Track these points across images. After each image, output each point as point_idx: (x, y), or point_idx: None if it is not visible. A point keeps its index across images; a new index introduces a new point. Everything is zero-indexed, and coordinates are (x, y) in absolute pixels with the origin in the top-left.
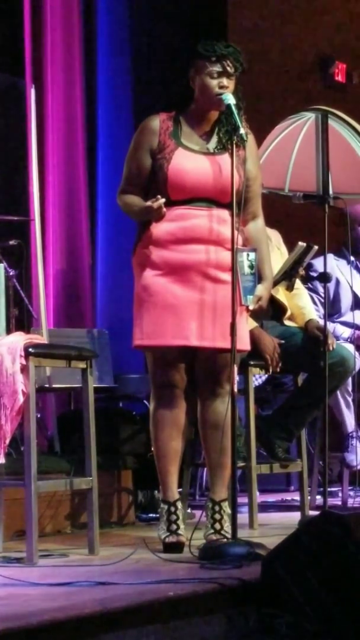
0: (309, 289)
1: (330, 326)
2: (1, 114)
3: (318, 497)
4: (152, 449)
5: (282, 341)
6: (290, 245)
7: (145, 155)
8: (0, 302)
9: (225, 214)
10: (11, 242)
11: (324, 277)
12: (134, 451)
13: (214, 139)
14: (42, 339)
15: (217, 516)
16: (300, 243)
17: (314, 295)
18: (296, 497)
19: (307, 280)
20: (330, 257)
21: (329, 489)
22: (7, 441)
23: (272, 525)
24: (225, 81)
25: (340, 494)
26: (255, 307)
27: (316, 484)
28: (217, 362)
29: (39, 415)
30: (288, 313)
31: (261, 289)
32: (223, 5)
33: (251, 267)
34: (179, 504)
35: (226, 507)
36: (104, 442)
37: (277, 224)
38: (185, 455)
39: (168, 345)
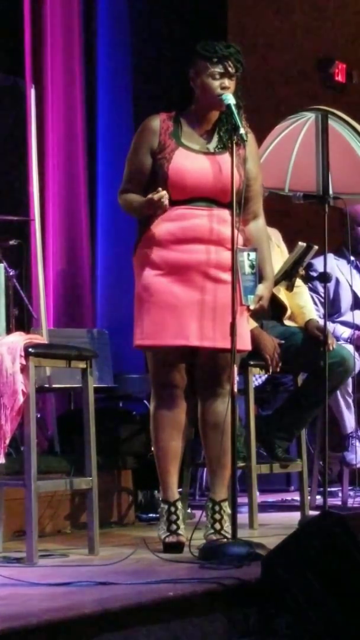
0: (309, 288)
1: (330, 326)
2: (1, 114)
3: (318, 497)
4: (152, 449)
5: (282, 341)
6: (290, 244)
7: (145, 155)
8: (0, 302)
9: (225, 213)
10: (11, 242)
11: (324, 277)
12: (134, 451)
13: (215, 139)
14: (42, 339)
15: (217, 516)
16: (300, 243)
17: (314, 295)
18: (296, 497)
19: (307, 280)
20: (330, 257)
21: (329, 489)
22: (7, 441)
23: (272, 525)
24: (226, 82)
25: (340, 494)
26: (256, 307)
27: (316, 484)
28: (218, 362)
29: (39, 415)
30: (288, 312)
31: (262, 289)
32: (223, 5)
33: (252, 266)
34: (179, 504)
35: (226, 507)
36: (104, 442)
37: (277, 224)
38: (185, 455)
39: (168, 345)
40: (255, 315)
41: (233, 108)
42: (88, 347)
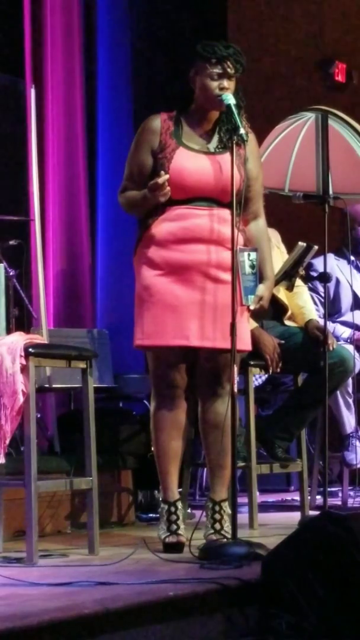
0: (309, 288)
1: (330, 326)
2: (1, 114)
3: (318, 497)
4: (152, 449)
5: (282, 341)
6: (289, 245)
7: (146, 154)
8: (0, 302)
9: (226, 213)
10: (11, 242)
11: (324, 277)
12: (134, 451)
13: (215, 139)
14: (42, 339)
15: (217, 516)
16: (300, 243)
17: (314, 295)
18: (296, 497)
19: (307, 280)
20: (331, 257)
21: (329, 489)
22: (7, 441)
23: (272, 525)
24: (225, 83)
25: (340, 494)
26: (257, 307)
27: (316, 484)
28: (218, 363)
29: (39, 415)
30: (289, 313)
31: (262, 289)
32: (223, 5)
33: (252, 267)
34: (179, 504)
35: (226, 507)
36: (104, 442)
37: (277, 224)
38: (185, 455)
39: (168, 345)
40: (256, 315)
41: (233, 108)
42: (88, 347)
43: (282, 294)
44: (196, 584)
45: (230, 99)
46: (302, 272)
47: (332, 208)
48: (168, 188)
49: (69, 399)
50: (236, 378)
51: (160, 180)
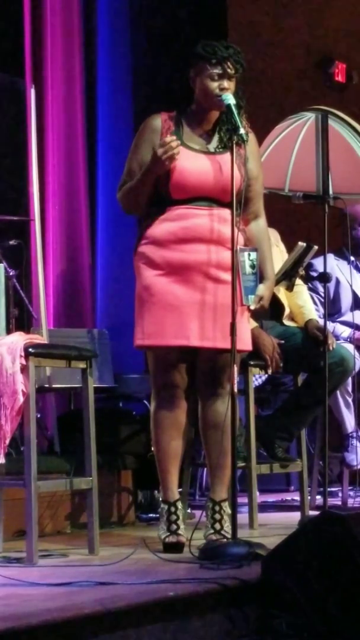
0: (309, 288)
1: (330, 326)
2: (1, 114)
3: (318, 497)
4: (153, 449)
5: (282, 341)
6: (289, 245)
7: (147, 153)
8: (0, 302)
9: (226, 213)
10: (11, 242)
11: (324, 277)
12: (134, 451)
13: (215, 139)
14: (42, 339)
15: (217, 516)
16: (300, 243)
17: (314, 295)
18: (296, 497)
19: (307, 280)
20: (330, 257)
21: (329, 489)
22: (7, 441)
23: (272, 525)
24: (225, 83)
25: (340, 494)
26: (257, 307)
27: (316, 484)
28: (218, 363)
29: (39, 415)
30: (286, 312)
31: (262, 289)
32: (223, 5)
33: (252, 266)
34: (179, 504)
35: (226, 507)
36: (104, 442)
37: (277, 224)
38: (185, 455)
39: (169, 345)
40: (256, 315)
41: (233, 108)
42: (88, 347)
43: (282, 294)
44: (196, 584)
45: (230, 98)
46: (302, 272)
47: (332, 208)
48: (177, 150)
49: (69, 399)
50: (236, 378)
51: (167, 139)
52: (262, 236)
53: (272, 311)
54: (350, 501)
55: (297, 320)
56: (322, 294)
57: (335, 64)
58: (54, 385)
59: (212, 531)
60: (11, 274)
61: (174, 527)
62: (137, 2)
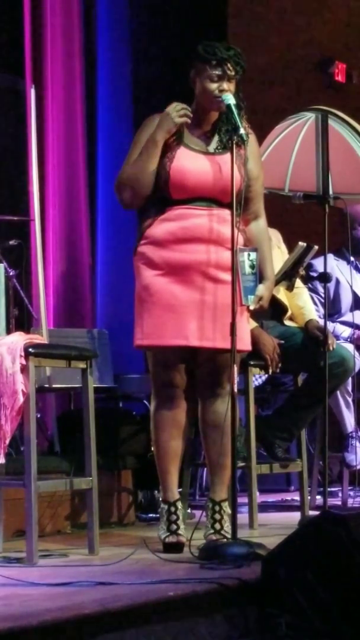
0: (309, 289)
1: (330, 325)
2: (1, 114)
3: (318, 497)
4: (152, 449)
5: (282, 341)
6: (289, 245)
7: None
8: (0, 302)
9: (226, 213)
10: (11, 242)
11: (324, 277)
12: (134, 451)
13: (215, 139)
14: (42, 339)
15: (217, 516)
16: (300, 243)
17: (314, 295)
18: (296, 497)
19: (307, 280)
20: (330, 257)
21: (329, 489)
22: (7, 441)
23: (272, 525)
24: (225, 85)
25: (340, 494)
26: (256, 307)
27: (316, 484)
28: (218, 363)
29: (39, 415)
30: (289, 313)
31: (262, 289)
32: (223, 6)
33: (252, 267)
34: (179, 504)
35: (226, 507)
36: (104, 442)
37: (277, 224)
38: (185, 455)
39: (168, 345)
40: (257, 315)
41: (233, 108)
42: (88, 347)
43: (281, 294)
44: (196, 584)
45: (230, 99)
46: (302, 272)
47: (332, 208)
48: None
49: (69, 399)
50: (236, 378)
51: (176, 105)
52: (262, 236)
53: (272, 311)
54: (350, 501)
55: (298, 321)
56: (322, 294)
57: (335, 64)
58: (54, 385)
59: (212, 531)
60: (11, 274)
61: (174, 527)
62: (138, 2)
